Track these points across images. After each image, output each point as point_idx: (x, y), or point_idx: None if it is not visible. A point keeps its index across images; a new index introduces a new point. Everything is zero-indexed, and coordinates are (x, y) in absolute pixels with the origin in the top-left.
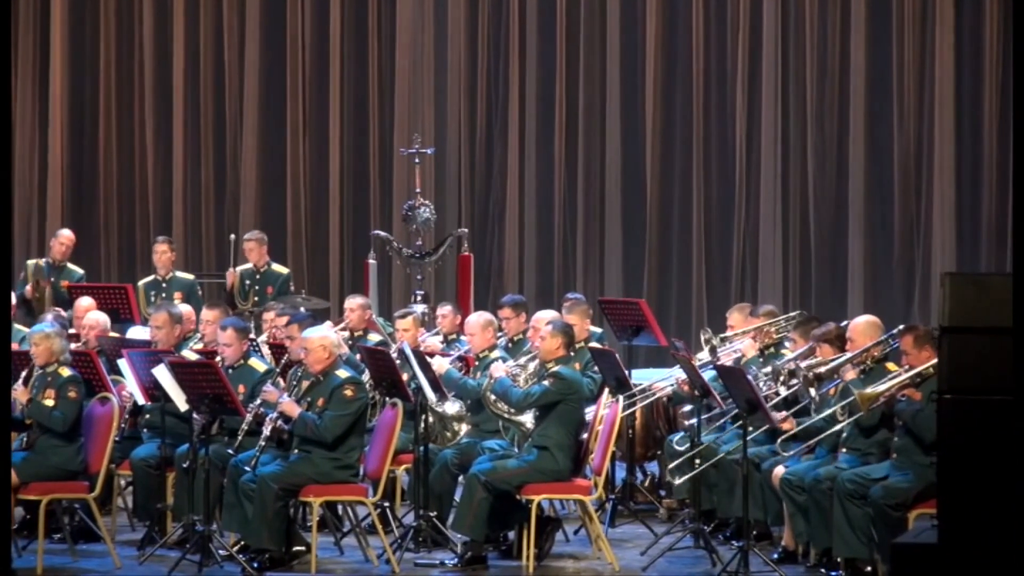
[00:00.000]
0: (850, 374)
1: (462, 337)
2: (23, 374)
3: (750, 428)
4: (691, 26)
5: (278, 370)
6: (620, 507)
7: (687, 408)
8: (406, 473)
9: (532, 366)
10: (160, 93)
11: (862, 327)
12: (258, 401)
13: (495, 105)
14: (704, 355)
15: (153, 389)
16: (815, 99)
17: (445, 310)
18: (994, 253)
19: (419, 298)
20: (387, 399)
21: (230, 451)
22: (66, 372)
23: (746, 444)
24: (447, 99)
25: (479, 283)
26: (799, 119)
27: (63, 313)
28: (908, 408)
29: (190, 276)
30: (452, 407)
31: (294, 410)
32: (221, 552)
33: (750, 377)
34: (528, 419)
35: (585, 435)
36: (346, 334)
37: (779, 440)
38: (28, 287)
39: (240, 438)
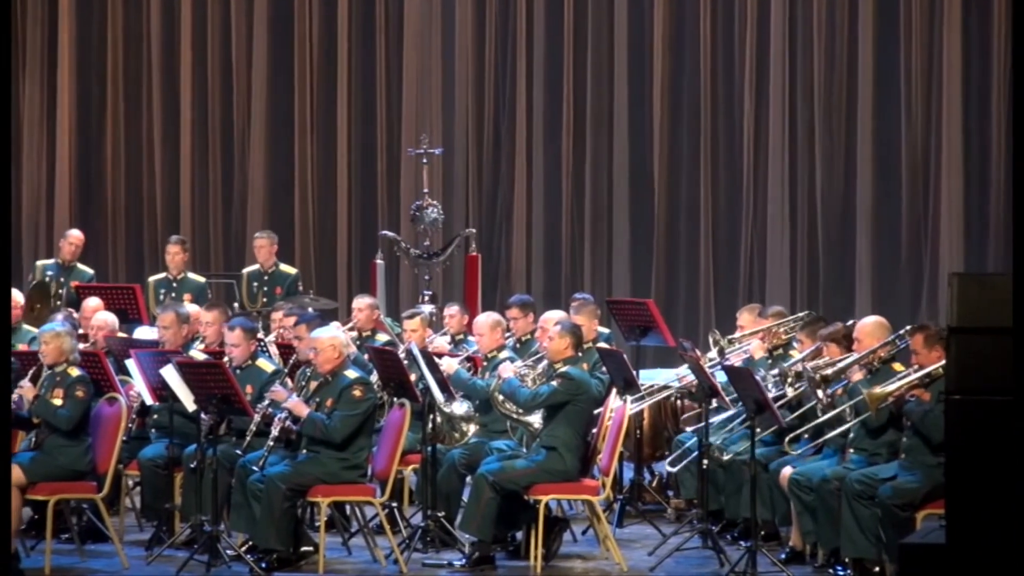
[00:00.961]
0: (857, 375)
1: (470, 337)
2: (31, 372)
3: (758, 429)
4: (699, 26)
5: (286, 370)
6: (628, 507)
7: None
8: (414, 473)
9: (540, 366)
10: (168, 94)
11: (869, 328)
12: (266, 401)
13: (503, 105)
14: (713, 355)
15: (161, 389)
16: (823, 100)
17: (453, 310)
18: (1002, 253)
19: (427, 298)
20: (395, 399)
21: (238, 451)
22: (75, 372)
23: (754, 445)
24: (455, 99)
25: (487, 283)
26: (807, 120)
27: (74, 313)
28: (917, 408)
29: (202, 279)
30: (460, 407)
31: (303, 410)
32: (229, 552)
33: (758, 378)
34: (536, 419)
35: (595, 431)
36: (354, 334)
37: (786, 440)
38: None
39: (248, 438)
